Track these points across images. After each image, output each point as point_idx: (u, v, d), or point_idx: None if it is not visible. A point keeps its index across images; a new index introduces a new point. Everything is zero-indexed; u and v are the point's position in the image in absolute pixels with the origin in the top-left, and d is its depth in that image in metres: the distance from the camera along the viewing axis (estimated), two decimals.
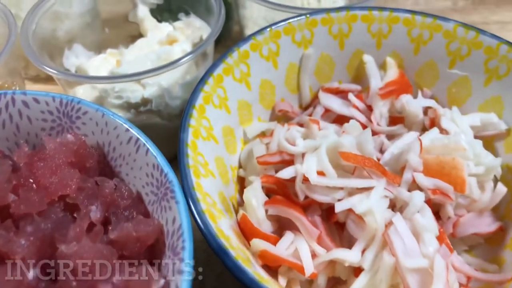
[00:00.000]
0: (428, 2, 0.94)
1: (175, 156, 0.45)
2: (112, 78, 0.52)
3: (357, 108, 0.57)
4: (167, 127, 0.60)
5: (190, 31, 0.67)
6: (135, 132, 0.44)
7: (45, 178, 0.41)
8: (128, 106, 0.57)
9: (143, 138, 0.43)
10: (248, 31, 0.70)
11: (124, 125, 0.44)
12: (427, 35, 0.57)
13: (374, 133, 0.54)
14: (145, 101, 0.57)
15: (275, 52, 0.56)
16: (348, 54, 0.60)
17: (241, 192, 0.53)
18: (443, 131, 0.54)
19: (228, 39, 0.83)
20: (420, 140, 0.50)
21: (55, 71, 0.52)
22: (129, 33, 0.74)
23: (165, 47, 0.61)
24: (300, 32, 0.57)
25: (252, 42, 0.54)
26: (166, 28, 0.67)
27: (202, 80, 0.49)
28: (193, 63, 0.61)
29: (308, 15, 0.57)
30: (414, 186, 0.49)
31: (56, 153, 0.43)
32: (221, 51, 0.73)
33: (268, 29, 0.55)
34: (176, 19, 0.70)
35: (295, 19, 0.57)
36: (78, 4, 0.72)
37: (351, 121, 0.53)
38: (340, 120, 0.58)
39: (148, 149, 0.43)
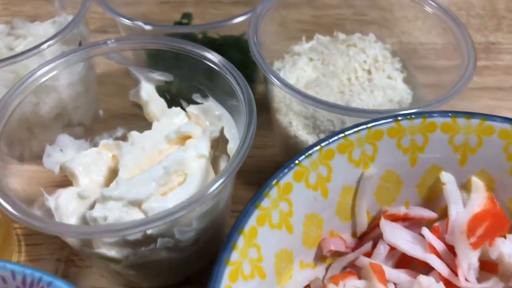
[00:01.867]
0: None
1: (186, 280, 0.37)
2: (100, 232, 0.37)
3: (435, 251, 0.42)
4: (176, 259, 0.46)
5: (207, 121, 0.52)
6: None
7: None
8: (125, 244, 0.42)
9: None
10: (281, 117, 0.55)
11: None
12: None
13: None
14: (148, 239, 0.42)
15: (326, 177, 0.41)
16: (420, 171, 0.45)
17: None
18: None
19: None
20: None
21: (20, 215, 0.37)
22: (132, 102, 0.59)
23: (175, 155, 0.46)
24: (359, 147, 0.42)
25: (296, 169, 0.39)
26: (177, 115, 0.52)
27: (228, 246, 0.34)
28: None
29: (371, 126, 0.42)
30: None
31: None
32: None
33: (318, 148, 0.40)
34: (191, 96, 0.55)
35: (352, 130, 0.41)
36: (66, 75, 0.57)
37: (431, 282, 0.39)
38: (407, 260, 0.43)
39: None
